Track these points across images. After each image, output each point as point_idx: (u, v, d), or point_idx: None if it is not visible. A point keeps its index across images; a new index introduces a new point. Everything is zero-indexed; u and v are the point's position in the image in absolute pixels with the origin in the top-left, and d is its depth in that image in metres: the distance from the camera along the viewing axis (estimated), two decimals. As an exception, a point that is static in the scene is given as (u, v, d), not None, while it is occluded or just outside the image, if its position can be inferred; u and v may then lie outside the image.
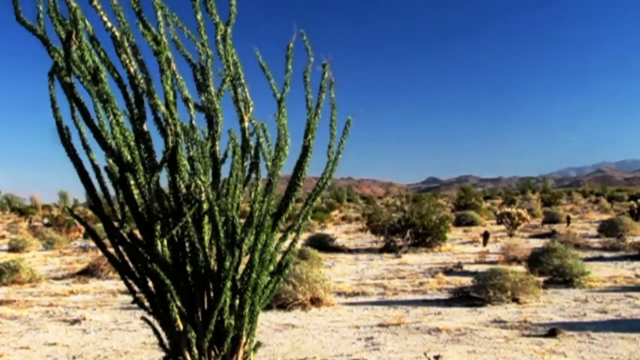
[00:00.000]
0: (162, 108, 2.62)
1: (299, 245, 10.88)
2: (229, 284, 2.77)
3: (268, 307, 6.34)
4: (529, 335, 5.15)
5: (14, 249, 14.58)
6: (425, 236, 12.95)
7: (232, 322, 2.86)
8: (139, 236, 2.87)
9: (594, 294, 7.11)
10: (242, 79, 2.90)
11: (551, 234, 15.20)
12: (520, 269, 8.34)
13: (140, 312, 3.01)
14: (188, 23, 2.83)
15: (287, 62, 2.86)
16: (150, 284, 2.91)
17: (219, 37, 2.78)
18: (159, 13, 2.64)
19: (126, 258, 2.93)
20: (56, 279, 9.84)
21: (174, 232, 2.75)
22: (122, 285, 3.27)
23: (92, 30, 2.66)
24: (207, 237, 2.84)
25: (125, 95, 2.70)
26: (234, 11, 2.79)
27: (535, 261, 8.80)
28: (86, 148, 2.81)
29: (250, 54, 2.91)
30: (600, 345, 4.78)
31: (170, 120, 2.62)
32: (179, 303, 2.79)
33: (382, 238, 13.43)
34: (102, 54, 2.67)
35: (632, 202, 23.29)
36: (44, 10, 2.56)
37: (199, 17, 2.74)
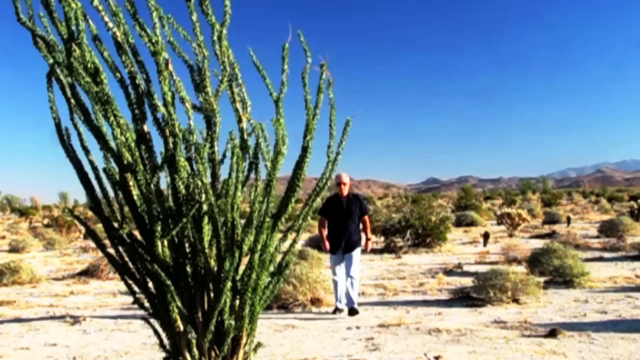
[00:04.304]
0: (162, 109, 2.63)
1: (299, 245, 10.89)
2: (229, 284, 2.77)
3: (268, 308, 6.35)
4: (529, 336, 5.16)
5: (14, 249, 14.60)
6: (425, 237, 12.95)
7: (232, 322, 2.86)
8: (139, 237, 2.87)
9: (594, 294, 7.12)
10: (239, 79, 2.90)
11: (551, 235, 15.20)
12: (521, 269, 8.34)
13: (141, 313, 3.01)
14: (185, 24, 2.84)
15: (283, 62, 2.86)
16: (150, 284, 2.91)
17: (215, 38, 2.78)
18: (155, 14, 2.64)
19: (126, 259, 2.93)
20: (56, 279, 9.85)
21: (173, 232, 2.75)
22: (122, 286, 3.27)
23: (96, 29, 2.67)
24: (207, 238, 2.84)
25: (128, 96, 2.71)
26: (229, 12, 2.79)
27: (535, 261, 8.80)
28: (85, 149, 2.82)
29: (248, 55, 2.91)
30: (600, 345, 4.78)
31: (169, 121, 2.63)
32: (179, 304, 2.79)
33: (382, 238, 13.44)
34: (105, 53, 2.67)
35: (632, 202, 23.30)
36: (35, 10, 2.56)
37: (194, 18, 2.74)
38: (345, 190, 6.53)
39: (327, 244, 6.48)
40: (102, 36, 2.66)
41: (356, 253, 6.44)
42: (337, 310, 6.43)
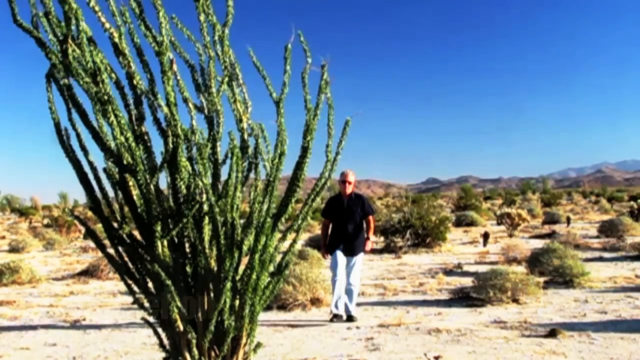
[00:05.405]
0: (165, 109, 2.63)
1: (298, 245, 10.87)
2: (229, 284, 2.77)
3: (268, 308, 6.35)
4: (529, 336, 5.16)
5: (14, 249, 14.60)
6: (425, 237, 12.95)
7: (232, 322, 2.87)
8: (139, 237, 2.87)
9: (594, 294, 7.12)
10: (240, 80, 2.90)
11: (551, 235, 15.20)
12: (521, 269, 8.34)
13: (141, 313, 3.02)
14: (187, 24, 2.84)
15: (285, 63, 2.86)
16: (150, 284, 2.91)
17: (216, 38, 2.78)
18: (161, 14, 2.64)
19: (126, 259, 2.93)
20: (56, 279, 9.85)
21: (174, 233, 2.75)
22: (122, 286, 3.28)
23: (90, 31, 2.67)
24: (207, 238, 2.84)
25: (124, 96, 2.71)
26: (232, 12, 2.79)
27: (535, 261, 8.80)
28: (84, 149, 2.82)
29: (248, 55, 2.91)
30: (600, 345, 4.78)
31: (171, 121, 2.63)
32: (179, 304, 2.79)
33: (382, 238, 13.44)
34: (99, 55, 2.67)
35: (632, 202, 23.31)
36: (37, 11, 2.56)
37: (202, 18, 2.75)
38: (349, 189, 6.26)
39: (325, 251, 6.21)
40: (97, 37, 2.66)
41: (358, 258, 6.15)
42: (334, 317, 6.01)
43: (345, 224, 6.19)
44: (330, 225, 6.37)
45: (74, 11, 2.44)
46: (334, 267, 6.10)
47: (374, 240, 7.21)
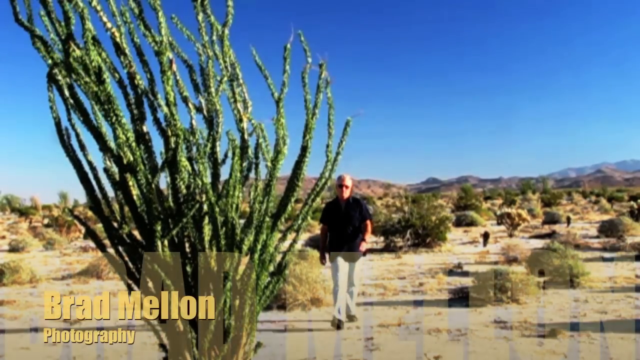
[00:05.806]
0: (165, 108, 2.63)
1: (298, 245, 10.86)
2: (229, 284, 2.77)
3: (268, 308, 6.35)
4: (529, 336, 5.16)
5: (14, 249, 14.61)
6: (425, 236, 12.95)
7: (232, 322, 2.87)
8: (139, 237, 2.87)
9: (594, 294, 7.12)
10: (240, 79, 2.90)
11: (551, 235, 15.20)
12: (521, 269, 8.34)
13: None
14: (186, 24, 2.84)
15: (284, 62, 2.87)
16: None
17: (214, 38, 2.79)
18: (160, 14, 2.64)
19: (126, 259, 2.93)
20: (56, 279, 9.85)
21: (174, 232, 2.75)
22: (122, 286, 3.28)
23: (94, 30, 2.67)
24: (207, 238, 2.84)
25: (126, 96, 2.71)
26: (231, 12, 2.79)
27: (535, 261, 8.80)
28: (83, 149, 2.82)
29: (250, 55, 2.92)
30: (600, 345, 4.78)
31: (171, 121, 2.63)
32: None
33: (382, 238, 13.44)
34: (102, 54, 2.67)
35: (632, 202, 23.32)
36: (34, 10, 2.56)
37: (200, 18, 2.75)
38: (346, 193, 6.11)
39: (323, 256, 6.08)
40: (100, 37, 2.66)
41: (359, 262, 6.04)
42: (335, 322, 5.72)
43: (344, 229, 6.04)
44: (329, 231, 6.18)
45: (80, 9, 2.44)
46: (335, 275, 5.90)
47: (372, 241, 7.10)
